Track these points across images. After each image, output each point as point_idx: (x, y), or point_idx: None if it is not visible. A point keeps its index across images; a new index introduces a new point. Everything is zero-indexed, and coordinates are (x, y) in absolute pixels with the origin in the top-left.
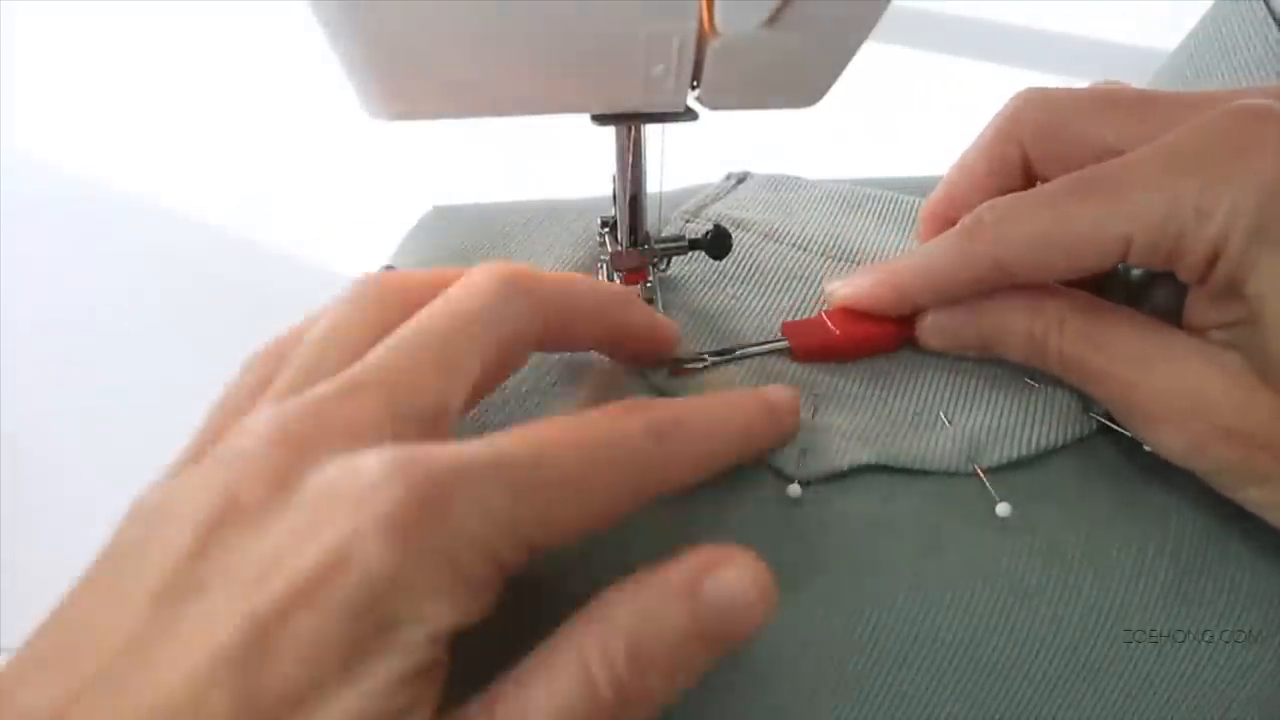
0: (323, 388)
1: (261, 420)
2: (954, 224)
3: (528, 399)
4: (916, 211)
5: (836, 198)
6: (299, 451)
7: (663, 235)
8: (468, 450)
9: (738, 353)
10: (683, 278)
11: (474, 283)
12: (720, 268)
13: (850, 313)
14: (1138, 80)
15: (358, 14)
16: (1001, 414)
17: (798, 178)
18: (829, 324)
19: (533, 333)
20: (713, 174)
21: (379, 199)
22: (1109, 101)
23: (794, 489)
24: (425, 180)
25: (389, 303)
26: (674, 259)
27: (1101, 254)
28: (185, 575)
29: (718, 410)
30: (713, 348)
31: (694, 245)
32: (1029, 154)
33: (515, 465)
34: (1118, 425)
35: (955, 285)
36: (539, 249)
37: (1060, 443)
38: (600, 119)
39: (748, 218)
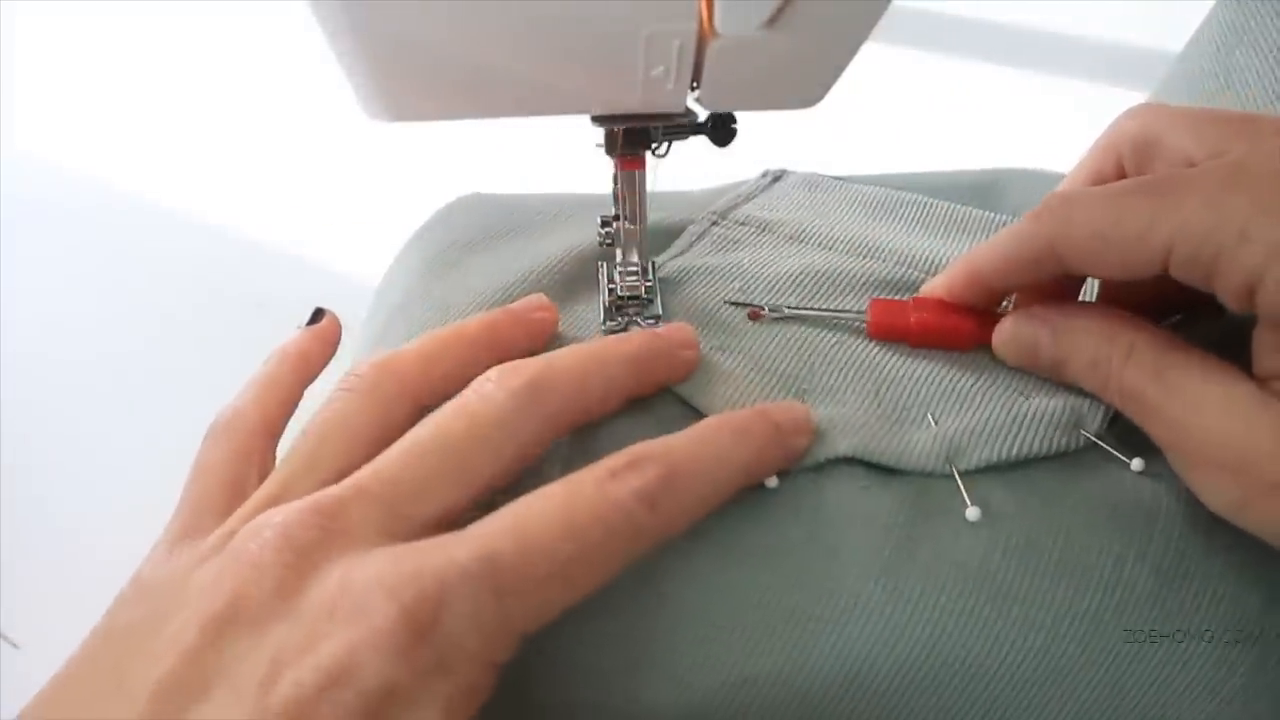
0: (332, 491)
1: (270, 524)
2: None
3: None
4: (950, 217)
5: (871, 201)
6: (303, 557)
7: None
8: (457, 553)
9: (813, 312)
10: (687, 271)
11: (488, 393)
12: (735, 264)
13: (939, 303)
14: (1144, 81)
15: (357, 14)
16: (989, 418)
17: (835, 178)
18: (910, 308)
19: (547, 441)
20: (714, 175)
21: (380, 200)
22: (1209, 118)
23: (771, 481)
24: (427, 180)
25: (386, 389)
26: (680, 255)
27: (1148, 258)
28: (189, 673)
29: (721, 445)
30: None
31: (697, 129)
32: (1126, 166)
33: (502, 567)
34: (1106, 444)
35: (1012, 264)
36: (554, 241)
37: (1044, 453)
38: (600, 120)
39: (775, 219)
